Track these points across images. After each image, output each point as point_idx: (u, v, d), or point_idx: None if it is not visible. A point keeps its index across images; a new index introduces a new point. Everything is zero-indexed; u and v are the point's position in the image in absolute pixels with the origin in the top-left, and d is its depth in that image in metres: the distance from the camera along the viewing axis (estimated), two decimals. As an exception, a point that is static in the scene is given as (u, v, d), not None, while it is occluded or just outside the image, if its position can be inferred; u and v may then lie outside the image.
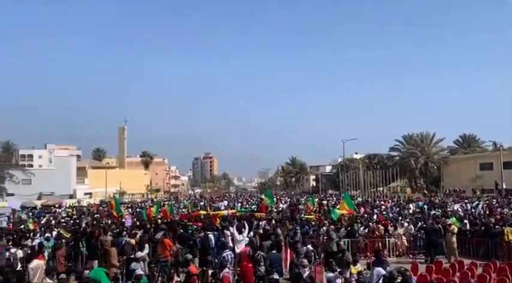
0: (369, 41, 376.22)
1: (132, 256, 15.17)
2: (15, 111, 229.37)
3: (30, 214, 38.32)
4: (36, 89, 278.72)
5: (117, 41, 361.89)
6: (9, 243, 19.23)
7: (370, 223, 22.90)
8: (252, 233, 18.79)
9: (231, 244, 16.33)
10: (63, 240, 19.66)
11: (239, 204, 46.43)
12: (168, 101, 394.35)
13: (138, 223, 25.35)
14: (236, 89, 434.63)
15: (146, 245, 17.12)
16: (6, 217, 32.67)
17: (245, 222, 19.35)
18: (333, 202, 41.14)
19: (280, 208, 33.33)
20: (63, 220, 32.13)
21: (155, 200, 75.28)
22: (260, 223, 22.42)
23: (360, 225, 22.69)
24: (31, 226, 21.49)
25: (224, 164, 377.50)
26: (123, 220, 26.06)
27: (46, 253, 17.33)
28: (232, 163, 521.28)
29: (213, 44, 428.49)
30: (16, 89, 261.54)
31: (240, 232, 17.11)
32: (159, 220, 26.00)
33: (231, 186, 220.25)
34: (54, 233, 21.28)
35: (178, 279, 12.87)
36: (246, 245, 16.36)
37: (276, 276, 12.44)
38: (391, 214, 29.05)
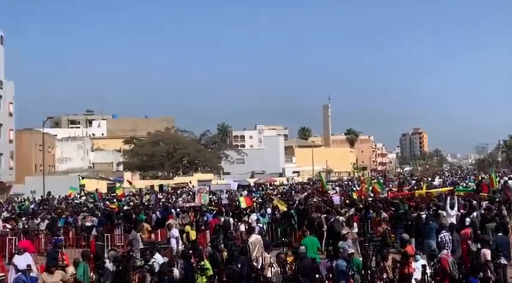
0: None
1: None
2: (228, 93, 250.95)
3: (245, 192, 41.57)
4: (245, 75, 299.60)
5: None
6: (229, 218, 21.10)
7: None
8: (475, 214, 17.58)
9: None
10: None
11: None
12: (369, 77, 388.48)
13: (347, 201, 25.63)
14: (447, 63, 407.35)
15: (355, 224, 17.33)
16: (226, 194, 36.19)
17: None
18: None
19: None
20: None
21: (362, 178, 75.45)
22: (482, 203, 20.76)
23: None
24: (243, 205, 23.24)
25: (435, 140, 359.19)
26: (332, 198, 26.58)
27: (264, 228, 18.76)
28: (444, 139, 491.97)
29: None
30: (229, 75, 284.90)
31: (452, 208, 16.93)
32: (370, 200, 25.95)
33: (444, 164, 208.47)
34: (269, 210, 22.72)
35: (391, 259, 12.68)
36: (467, 226, 15.34)
37: (503, 261, 11.44)
38: None
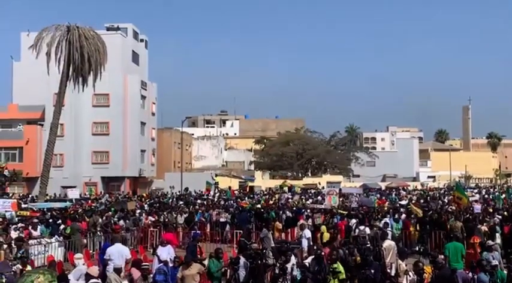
0: None
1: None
2: (357, 96, 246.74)
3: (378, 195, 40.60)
4: (378, 76, 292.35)
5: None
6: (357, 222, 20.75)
7: None
8: None
9: None
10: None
11: None
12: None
13: (490, 209, 23.99)
14: None
15: (497, 234, 16.21)
16: (356, 198, 35.66)
17: None
18: None
19: None
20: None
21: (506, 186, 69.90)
22: None
23: None
24: (376, 204, 22.78)
25: None
26: (473, 206, 25.00)
27: (393, 234, 18.20)
28: None
29: None
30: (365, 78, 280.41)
31: None
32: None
33: None
34: (403, 216, 21.99)
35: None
36: None
37: None
38: None
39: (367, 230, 17.71)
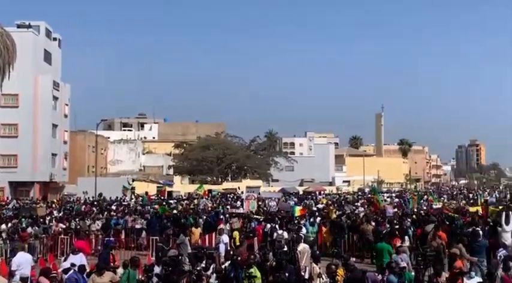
0: None
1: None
2: (277, 101, 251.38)
3: (293, 201, 41.33)
4: (295, 81, 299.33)
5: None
6: (276, 225, 21.10)
7: None
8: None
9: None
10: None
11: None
12: (424, 85, 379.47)
13: (399, 213, 25.18)
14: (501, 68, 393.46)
15: (406, 237, 16.98)
16: (275, 202, 36.11)
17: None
18: None
19: None
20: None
21: (416, 190, 73.84)
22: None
23: None
24: (297, 213, 23.24)
25: (494, 152, 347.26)
26: (385, 209, 26.12)
27: (307, 238, 18.65)
28: (503, 152, 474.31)
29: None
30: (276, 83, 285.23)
31: (508, 223, 16.04)
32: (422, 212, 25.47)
33: (502, 178, 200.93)
34: (318, 219, 22.58)
35: (446, 276, 12.34)
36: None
37: None
38: None
39: (285, 234, 18.03)
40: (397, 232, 17.18)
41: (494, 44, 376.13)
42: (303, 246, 13.70)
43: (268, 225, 20.29)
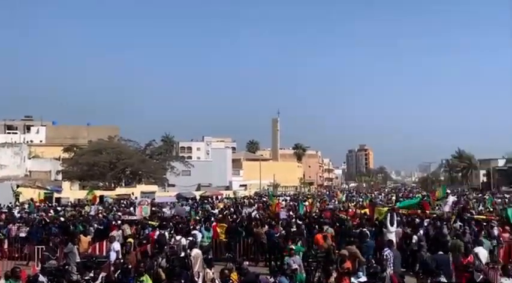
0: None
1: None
2: (175, 105, 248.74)
3: (189, 206, 40.96)
4: (193, 86, 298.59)
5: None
6: (171, 232, 20.81)
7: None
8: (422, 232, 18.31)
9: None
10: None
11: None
12: (319, 92, 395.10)
13: (293, 216, 25.89)
14: (393, 79, 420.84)
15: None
16: (168, 207, 35.71)
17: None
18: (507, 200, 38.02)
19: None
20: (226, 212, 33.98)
21: (309, 193, 76.47)
22: (423, 222, 21.46)
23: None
24: (197, 217, 23.10)
25: (381, 157, 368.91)
26: (279, 212, 26.74)
27: (201, 243, 18.60)
28: (389, 156, 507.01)
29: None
30: (174, 85, 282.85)
31: (392, 224, 17.33)
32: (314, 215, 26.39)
33: (388, 181, 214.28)
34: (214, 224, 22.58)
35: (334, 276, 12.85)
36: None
37: (443, 279, 11.80)
38: None
39: (183, 240, 17.83)
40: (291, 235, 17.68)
41: (383, 52, 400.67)
42: (196, 251, 13.64)
43: (163, 231, 19.92)
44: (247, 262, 12.05)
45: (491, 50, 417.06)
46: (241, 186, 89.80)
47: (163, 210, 33.62)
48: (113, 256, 16.03)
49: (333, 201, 45.46)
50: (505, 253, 17.81)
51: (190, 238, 16.69)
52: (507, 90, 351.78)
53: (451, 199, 28.67)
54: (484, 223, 20.61)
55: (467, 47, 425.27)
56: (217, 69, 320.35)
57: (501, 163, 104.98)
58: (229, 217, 25.32)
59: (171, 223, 22.73)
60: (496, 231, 18.73)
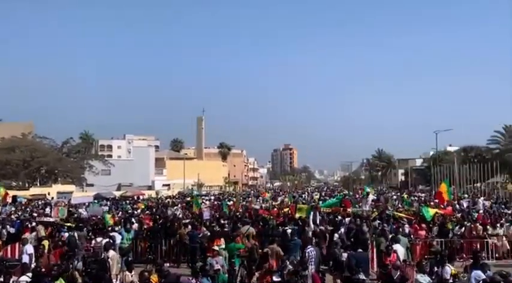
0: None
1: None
2: (94, 101, 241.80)
3: (108, 207, 39.78)
4: (115, 79, 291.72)
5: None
6: (90, 233, 20.20)
7: (466, 222, 21.85)
8: (343, 230, 18.87)
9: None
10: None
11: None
12: (244, 91, 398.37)
13: (217, 216, 25.92)
14: (317, 80, 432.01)
15: (222, 239, 17.50)
16: (84, 208, 34.56)
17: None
18: (423, 199, 40.03)
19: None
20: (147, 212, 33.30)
21: (234, 192, 76.77)
22: (344, 220, 22.16)
23: (454, 223, 21.79)
24: (111, 222, 22.37)
25: (305, 156, 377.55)
26: (202, 212, 26.66)
27: (126, 245, 18.20)
28: (313, 156, 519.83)
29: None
30: (95, 78, 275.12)
31: (315, 223, 18.17)
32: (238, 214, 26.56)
33: (312, 180, 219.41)
34: (135, 225, 22.15)
35: (257, 275, 13.01)
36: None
37: (362, 276, 12.25)
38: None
39: (104, 242, 17.34)
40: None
41: (303, 51, 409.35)
42: (112, 253, 13.35)
43: (81, 233, 19.28)
44: (167, 264, 11.89)
45: (415, 50, 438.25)
46: (164, 185, 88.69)
47: (80, 210, 32.59)
48: (25, 259, 15.33)
49: (259, 200, 45.90)
50: (420, 250, 18.81)
51: (107, 240, 16.26)
52: (426, 91, 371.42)
53: (371, 197, 29.85)
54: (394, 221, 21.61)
55: (391, 46, 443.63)
56: (141, 66, 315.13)
57: (418, 163, 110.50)
58: (150, 217, 24.95)
59: (88, 225, 22.14)
60: (407, 229, 19.63)
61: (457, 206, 31.13)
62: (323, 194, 57.97)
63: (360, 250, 14.43)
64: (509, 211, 28.79)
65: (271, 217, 24.18)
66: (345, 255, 13.81)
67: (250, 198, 47.99)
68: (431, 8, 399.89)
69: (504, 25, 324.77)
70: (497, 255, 19.90)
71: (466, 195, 46.88)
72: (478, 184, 60.72)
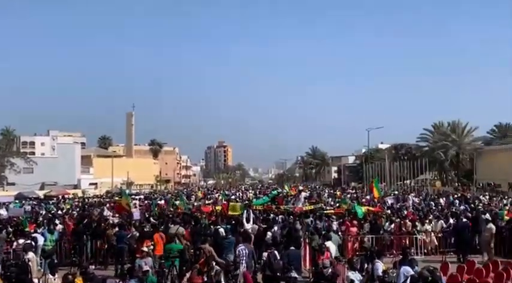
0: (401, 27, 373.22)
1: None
2: (17, 94, 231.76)
3: (30, 206, 38.19)
4: (39, 70, 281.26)
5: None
6: (10, 235, 19.38)
7: (394, 218, 22.66)
8: (276, 228, 19.03)
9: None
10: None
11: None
12: (176, 88, 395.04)
13: (147, 215, 25.51)
14: (253, 76, 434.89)
15: (160, 239, 17.25)
16: (4, 208, 33.08)
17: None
18: (355, 196, 41.08)
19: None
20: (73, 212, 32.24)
21: (165, 191, 75.89)
22: (277, 217, 22.39)
23: (385, 220, 22.54)
24: (28, 228, 21.38)
25: (239, 154, 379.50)
26: (132, 212, 26.10)
27: (50, 247, 17.56)
28: (247, 154, 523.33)
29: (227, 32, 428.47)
30: (17, 68, 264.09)
31: (248, 222, 18.31)
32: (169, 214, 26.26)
33: (246, 178, 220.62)
34: (59, 226, 21.43)
35: (187, 276, 12.90)
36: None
37: (294, 274, 12.41)
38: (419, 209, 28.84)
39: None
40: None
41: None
42: (32, 255, 12.94)
43: (1, 234, 18.47)
44: (93, 266, 11.56)
45: (348, 49, 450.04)
46: (91, 184, 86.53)
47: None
48: None
49: (191, 199, 45.56)
50: (352, 246, 19.33)
51: (29, 241, 15.66)
52: (359, 90, 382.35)
53: (303, 194, 30.30)
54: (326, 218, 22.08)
55: (325, 45, 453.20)
56: (67, 61, 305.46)
57: (351, 160, 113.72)
58: (75, 218, 24.23)
59: (8, 226, 21.25)
60: (335, 226, 20.10)
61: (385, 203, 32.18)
62: (257, 192, 58.35)
63: (293, 247, 14.60)
64: (438, 208, 30.17)
65: (203, 216, 24.10)
66: (265, 254, 13.94)
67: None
68: (349, 9, 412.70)
69: (422, 19, 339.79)
70: (425, 251, 20.72)
71: (396, 192, 48.62)
72: (408, 181, 63.16)
